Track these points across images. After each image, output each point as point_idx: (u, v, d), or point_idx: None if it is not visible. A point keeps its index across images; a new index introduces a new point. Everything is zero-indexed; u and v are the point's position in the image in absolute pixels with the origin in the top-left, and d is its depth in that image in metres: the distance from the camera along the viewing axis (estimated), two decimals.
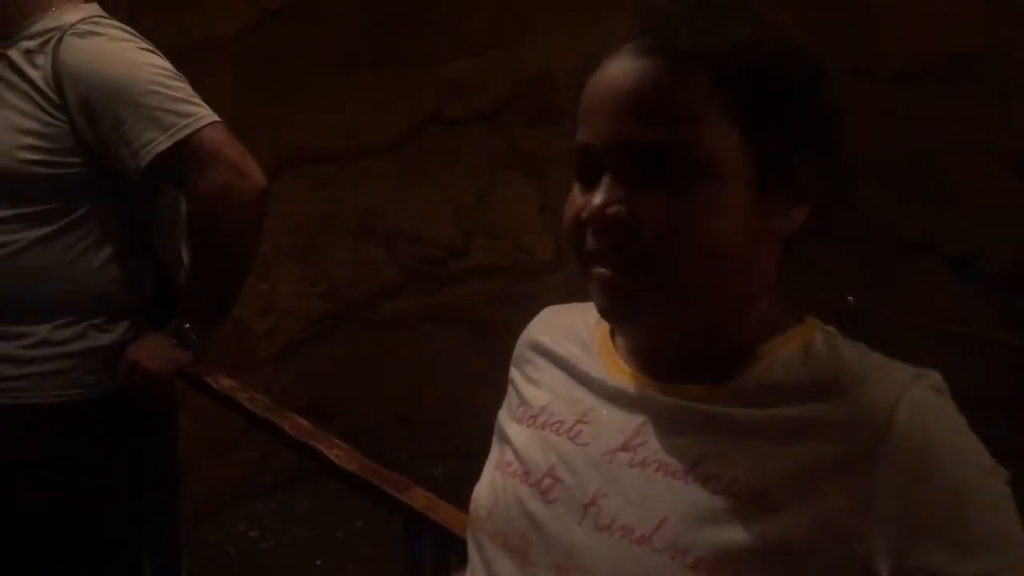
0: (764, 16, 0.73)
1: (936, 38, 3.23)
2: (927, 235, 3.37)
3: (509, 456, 0.82)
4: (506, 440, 0.84)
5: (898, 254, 3.37)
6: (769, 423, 0.68)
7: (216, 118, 1.57)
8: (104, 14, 1.62)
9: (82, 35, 1.54)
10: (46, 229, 1.57)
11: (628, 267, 0.69)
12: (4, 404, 1.57)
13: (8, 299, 1.57)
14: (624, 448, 0.73)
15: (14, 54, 1.57)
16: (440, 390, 3.25)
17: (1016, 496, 0.66)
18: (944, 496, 0.63)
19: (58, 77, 1.52)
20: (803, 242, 0.74)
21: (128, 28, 1.61)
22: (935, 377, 0.68)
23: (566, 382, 0.82)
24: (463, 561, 0.93)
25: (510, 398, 0.89)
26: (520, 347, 0.91)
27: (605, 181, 0.70)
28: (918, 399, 0.66)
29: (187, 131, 1.52)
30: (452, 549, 1.12)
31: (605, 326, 0.83)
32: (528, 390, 0.86)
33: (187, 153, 1.53)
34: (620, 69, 0.71)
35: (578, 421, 0.78)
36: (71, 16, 1.58)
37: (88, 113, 1.52)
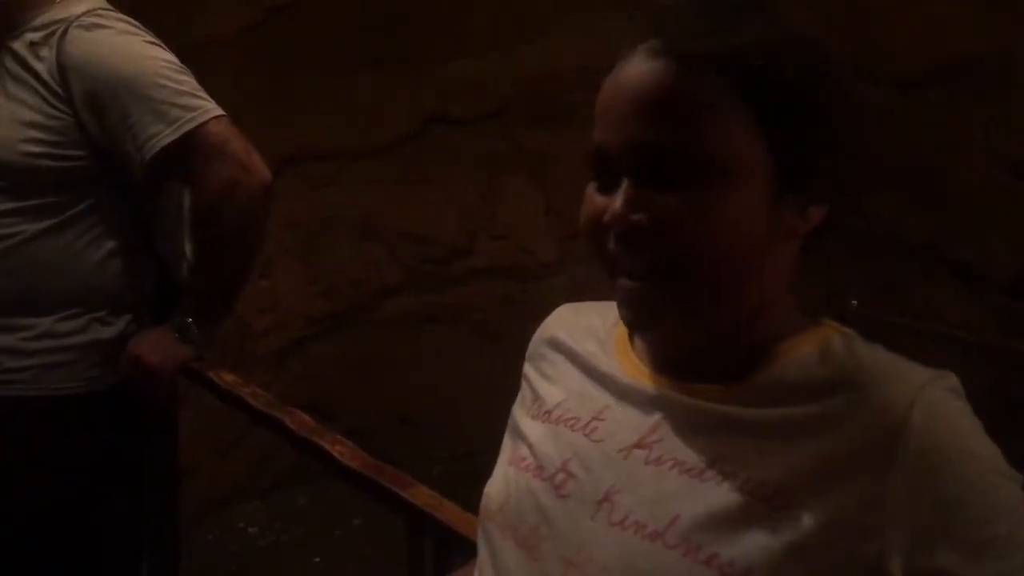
0: (780, 13, 0.72)
1: (937, 41, 3.23)
2: (929, 238, 3.37)
3: (523, 451, 0.81)
4: (520, 435, 0.84)
5: (899, 257, 3.37)
6: (784, 422, 0.68)
7: (221, 112, 1.56)
8: (109, 7, 1.61)
9: (88, 27, 1.53)
10: (49, 222, 1.57)
11: (652, 276, 0.69)
12: (6, 396, 1.57)
13: (10, 292, 1.56)
14: (639, 445, 0.73)
15: (18, 46, 1.56)
16: (440, 390, 3.25)
17: None
18: (959, 498, 0.63)
19: (63, 69, 1.52)
20: (818, 242, 0.74)
21: (133, 21, 1.60)
22: (952, 379, 0.68)
23: (582, 379, 0.82)
24: (465, 560, 0.93)
25: (524, 394, 0.89)
26: (535, 343, 0.91)
27: (625, 185, 0.70)
28: (935, 400, 0.66)
29: (192, 124, 1.52)
30: (455, 548, 1.11)
31: (622, 324, 0.83)
32: (543, 386, 0.86)
33: (192, 147, 1.53)
34: (635, 71, 0.70)
35: (593, 418, 0.78)
36: (76, 8, 1.57)
37: (93, 106, 1.51)
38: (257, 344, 3.03)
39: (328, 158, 3.16)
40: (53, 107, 1.53)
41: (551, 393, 0.84)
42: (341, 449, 1.30)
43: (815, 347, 0.72)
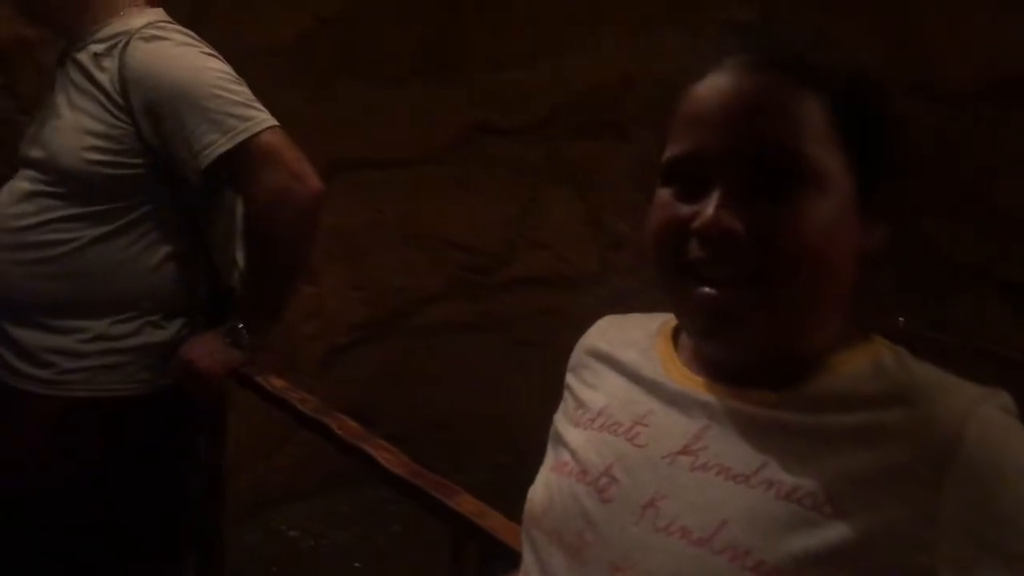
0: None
1: (989, 59, 3.18)
2: (978, 257, 3.32)
3: (565, 457, 0.82)
4: (562, 443, 0.85)
5: (948, 276, 3.33)
6: (834, 431, 0.69)
7: (275, 122, 1.59)
8: (168, 19, 1.66)
9: (148, 39, 1.57)
10: (106, 228, 1.61)
11: (736, 284, 0.70)
12: (61, 396, 1.61)
13: (67, 294, 1.61)
14: (685, 451, 0.74)
15: (83, 57, 1.61)
16: (480, 399, 3.26)
17: None
18: (1011, 513, 0.63)
19: (124, 80, 1.56)
20: (875, 260, 0.76)
21: (191, 33, 1.64)
22: (1004, 397, 0.69)
23: (625, 385, 0.83)
24: (509, 569, 0.93)
25: (566, 403, 0.90)
26: (577, 353, 0.92)
27: (717, 193, 0.71)
28: (988, 417, 0.66)
29: (247, 134, 1.55)
30: (498, 556, 1.12)
31: (666, 331, 0.84)
32: (586, 393, 0.87)
33: (246, 156, 1.56)
34: (732, 82, 0.72)
35: (636, 423, 0.78)
36: (137, 21, 1.62)
37: (152, 115, 1.55)
38: (301, 349, 3.07)
39: (374, 166, 3.20)
40: (114, 116, 1.57)
41: (593, 399, 0.85)
42: (387, 456, 1.32)
43: (868, 361, 0.73)
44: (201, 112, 1.55)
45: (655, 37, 3.20)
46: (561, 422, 0.88)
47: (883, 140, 0.73)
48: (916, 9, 3.18)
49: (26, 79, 2.42)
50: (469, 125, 3.36)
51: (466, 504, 1.18)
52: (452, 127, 3.33)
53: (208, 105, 1.55)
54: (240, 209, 1.69)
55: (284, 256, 1.65)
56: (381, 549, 2.85)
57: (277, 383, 1.62)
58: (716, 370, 0.78)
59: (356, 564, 2.82)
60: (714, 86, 0.73)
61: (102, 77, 1.58)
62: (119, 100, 1.57)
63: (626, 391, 0.83)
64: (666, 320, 0.87)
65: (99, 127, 1.57)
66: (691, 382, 0.78)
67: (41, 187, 1.61)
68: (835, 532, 0.64)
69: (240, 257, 1.75)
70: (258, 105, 1.60)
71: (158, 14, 1.66)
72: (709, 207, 0.70)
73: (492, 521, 1.14)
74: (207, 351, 1.63)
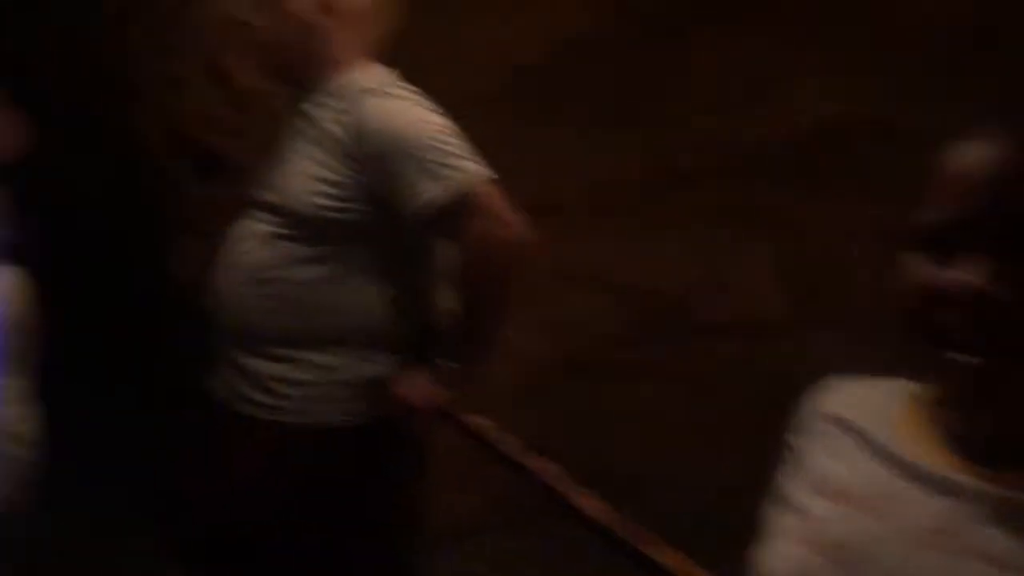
0: None
1: None
2: None
3: (806, 527, 0.81)
4: (795, 509, 0.83)
5: None
6: None
7: (488, 174, 1.67)
8: (394, 76, 1.77)
9: (379, 95, 1.69)
10: (329, 268, 1.73)
11: (1001, 353, 0.69)
12: (275, 421, 1.74)
13: (298, 329, 1.74)
14: (937, 532, 0.72)
15: (313, 108, 1.75)
16: (663, 446, 3.23)
17: None
18: None
19: (355, 131, 1.68)
20: None
21: (413, 88, 1.75)
22: None
23: (871, 459, 0.81)
24: None
25: (797, 467, 0.88)
26: (811, 416, 0.90)
27: (987, 260, 0.69)
28: None
29: (462, 186, 1.63)
30: None
31: (908, 400, 0.82)
32: (825, 461, 0.84)
33: (460, 206, 1.64)
34: (1010, 147, 0.71)
35: (883, 500, 0.76)
36: (365, 76, 1.74)
37: (377, 165, 1.66)
38: (489, 388, 3.14)
39: (564, 209, 3.25)
40: (342, 164, 1.69)
41: (834, 470, 0.82)
42: (588, 503, 1.34)
43: None
44: (420, 163, 1.64)
45: (854, 84, 3.11)
46: (793, 487, 0.87)
47: None
48: None
49: (257, 125, 2.64)
50: (660, 169, 3.36)
51: (670, 558, 1.18)
52: (642, 171, 3.35)
53: (428, 156, 1.64)
54: (450, 253, 1.77)
55: (492, 300, 1.71)
56: None
57: (479, 421, 1.67)
58: (968, 446, 0.75)
59: None
60: (988, 152, 0.72)
61: (333, 128, 1.71)
62: (349, 149, 1.68)
63: (873, 465, 0.80)
64: (905, 388, 0.84)
65: (327, 174, 1.69)
66: (941, 459, 0.76)
67: (273, 228, 1.75)
68: None
69: (446, 298, 1.83)
70: (473, 157, 1.68)
71: (384, 70, 1.78)
72: (974, 275, 0.69)
73: None
74: (417, 387, 1.72)
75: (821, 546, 0.77)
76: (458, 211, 1.64)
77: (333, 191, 1.69)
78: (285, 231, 1.74)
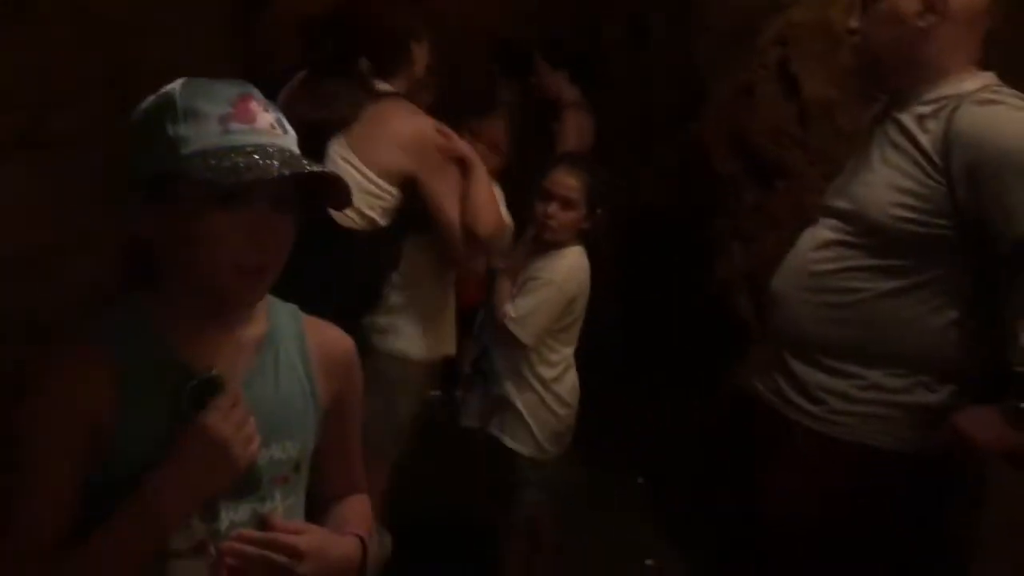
0: None
1: None
2: None
3: None
4: None
5: None
6: None
7: None
8: (1001, 83, 1.63)
9: (981, 103, 1.56)
10: (896, 283, 1.65)
11: None
12: (825, 434, 1.71)
13: (850, 340, 1.69)
14: None
15: (905, 118, 1.67)
16: None
17: None
18: None
19: (947, 142, 1.57)
20: None
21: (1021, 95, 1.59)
22: None
23: None
24: None
25: None
26: None
27: None
28: None
29: None
30: None
31: None
32: None
33: None
34: None
35: None
36: (970, 84, 1.62)
37: (971, 179, 1.54)
38: None
39: None
40: (929, 177, 1.59)
41: None
42: None
43: None
44: None
45: None
46: None
47: None
48: None
49: (818, 135, 2.62)
50: None
51: None
52: None
53: None
54: None
55: None
56: None
57: None
58: None
59: None
60: None
61: (923, 138, 1.62)
62: (938, 161, 1.59)
63: None
64: None
65: (911, 185, 1.61)
66: None
67: (842, 236, 1.72)
68: None
69: (1022, 334, 1.64)
70: None
71: (991, 77, 1.64)
72: None
73: None
74: (983, 425, 1.56)
75: None
76: None
77: (915, 203, 1.60)
78: (853, 239, 1.70)
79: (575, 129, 3.36)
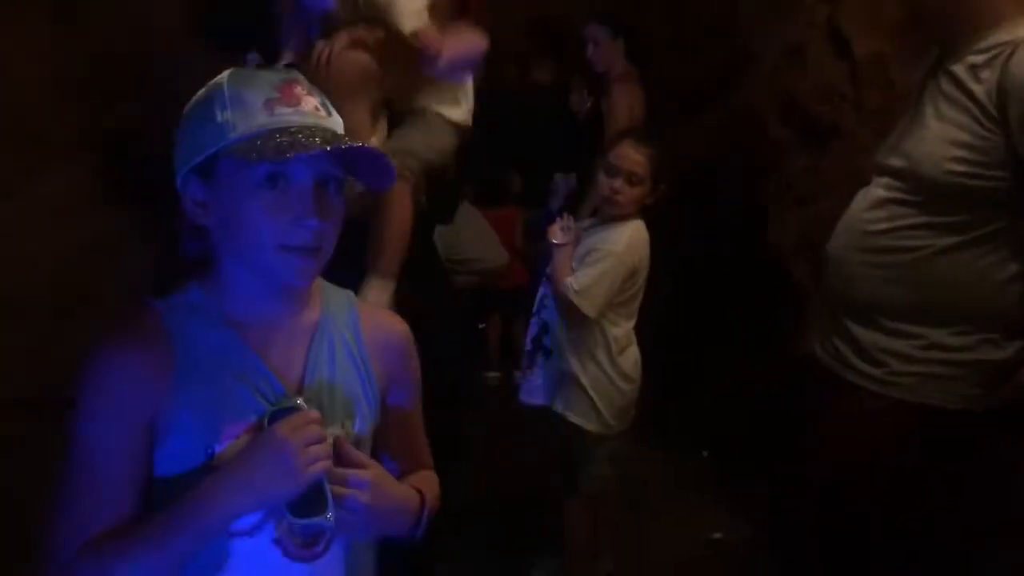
0: None
1: None
2: None
3: None
4: None
5: None
6: None
7: None
8: None
9: None
10: (955, 239, 1.61)
11: None
12: (888, 396, 1.68)
13: (908, 300, 1.66)
14: None
15: (958, 69, 1.61)
16: None
17: None
18: None
19: (1002, 91, 1.52)
20: None
21: None
22: None
23: None
24: None
25: None
26: None
27: None
28: None
29: None
30: None
31: None
32: None
33: None
34: None
35: None
36: (1020, 29, 1.56)
37: None
38: None
39: None
40: (985, 128, 1.54)
41: None
42: None
43: None
44: None
45: None
46: None
47: None
48: None
49: (871, 95, 2.56)
50: None
51: None
52: None
53: None
54: None
55: None
56: None
57: None
58: None
59: None
60: None
61: (977, 88, 1.57)
62: (993, 111, 1.54)
63: None
64: None
65: (966, 138, 1.57)
66: None
67: (896, 194, 1.68)
68: None
69: None
70: None
71: None
72: None
73: None
74: None
75: None
76: None
77: (971, 156, 1.56)
78: (907, 196, 1.65)
79: (626, 103, 3.33)
